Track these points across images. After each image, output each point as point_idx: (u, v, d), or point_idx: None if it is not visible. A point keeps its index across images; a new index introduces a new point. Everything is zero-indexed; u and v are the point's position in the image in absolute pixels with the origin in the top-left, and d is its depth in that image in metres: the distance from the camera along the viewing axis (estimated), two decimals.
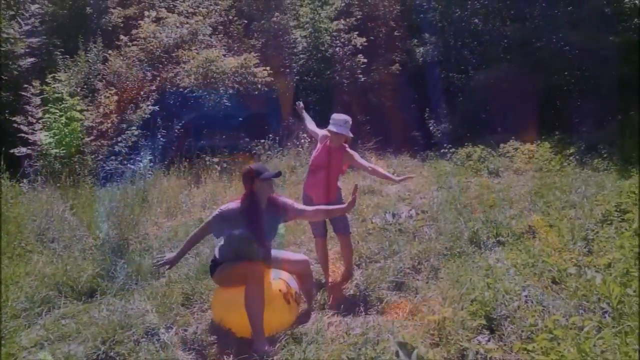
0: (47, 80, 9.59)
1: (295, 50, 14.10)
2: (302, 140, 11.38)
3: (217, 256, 3.73)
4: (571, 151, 10.53)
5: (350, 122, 4.40)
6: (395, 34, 16.97)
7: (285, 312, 3.55)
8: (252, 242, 3.59)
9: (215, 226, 3.65)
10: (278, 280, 3.65)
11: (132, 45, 11.84)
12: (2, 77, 10.65)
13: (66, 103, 9.07)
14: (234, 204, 3.64)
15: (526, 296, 3.37)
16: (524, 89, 14.00)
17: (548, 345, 2.46)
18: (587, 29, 12.00)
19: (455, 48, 16.43)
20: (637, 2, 11.26)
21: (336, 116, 4.41)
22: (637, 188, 5.66)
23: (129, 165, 8.79)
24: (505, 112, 14.69)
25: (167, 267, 3.79)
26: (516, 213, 6.31)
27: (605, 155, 9.70)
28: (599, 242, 4.18)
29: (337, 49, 14.04)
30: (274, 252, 3.99)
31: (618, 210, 5.04)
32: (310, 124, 4.88)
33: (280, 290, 3.58)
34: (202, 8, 13.01)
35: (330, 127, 4.37)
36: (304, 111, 5.04)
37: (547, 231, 5.21)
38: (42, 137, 8.41)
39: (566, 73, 13.07)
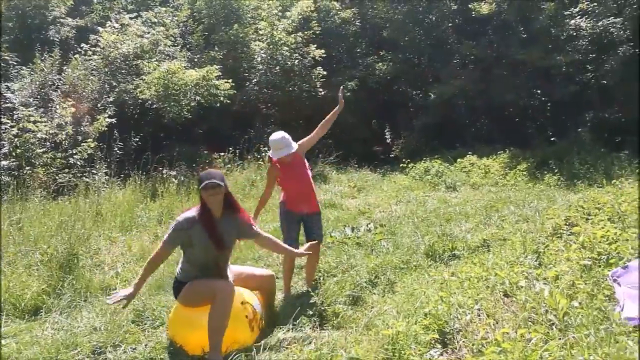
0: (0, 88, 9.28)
1: (254, 63, 14.10)
2: (263, 154, 11.33)
3: (179, 277, 3.59)
4: (524, 166, 10.88)
5: (289, 137, 4.37)
6: (356, 50, 17.23)
7: (247, 336, 3.46)
8: (212, 251, 3.51)
9: (176, 238, 3.46)
10: (246, 304, 3.55)
11: (92, 54, 11.58)
12: None
13: (18, 113, 8.76)
14: (191, 211, 3.52)
15: (478, 309, 3.41)
16: (479, 105, 14.48)
17: (496, 358, 2.50)
18: (536, 48, 12.51)
19: (412, 64, 16.82)
20: (581, 24, 11.83)
21: (275, 141, 4.30)
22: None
23: (83, 178, 8.53)
24: (462, 127, 15.14)
25: (124, 303, 3.39)
26: (472, 227, 6.45)
27: (555, 171, 10.07)
28: (548, 255, 4.28)
29: (296, 61, 14.10)
30: (239, 267, 3.94)
31: (567, 224, 5.21)
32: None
33: (246, 317, 3.49)
34: (165, 19, 12.89)
35: (279, 154, 4.30)
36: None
37: (501, 244, 5.33)
38: None
39: (518, 90, 13.54)
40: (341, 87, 4.39)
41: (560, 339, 2.65)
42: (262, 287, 3.87)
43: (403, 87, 17.30)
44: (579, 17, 12.05)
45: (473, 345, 2.92)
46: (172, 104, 10.95)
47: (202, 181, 3.50)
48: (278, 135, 4.34)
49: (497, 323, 3.19)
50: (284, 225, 4.58)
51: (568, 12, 12.27)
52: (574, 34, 12.14)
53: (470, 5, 14.00)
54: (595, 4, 11.85)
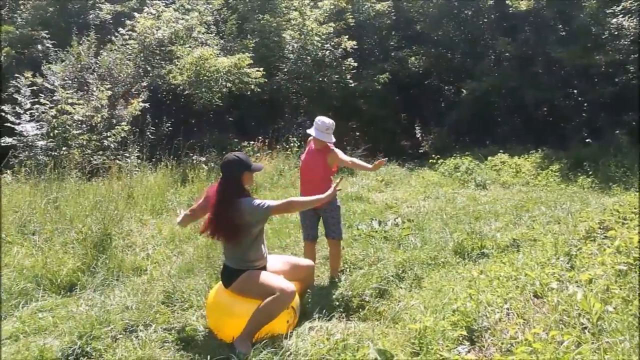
0: (42, 70, 9.54)
1: (285, 52, 14.11)
2: (292, 144, 11.38)
3: (233, 265, 3.54)
4: (557, 167, 10.66)
5: (333, 128, 4.40)
6: (390, 43, 17.08)
7: (280, 332, 3.44)
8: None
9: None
10: (291, 310, 3.53)
11: (129, 39, 11.78)
12: None
13: (57, 95, 8.99)
14: (241, 201, 3.47)
15: (508, 309, 3.38)
16: (512, 102, 14.22)
17: (527, 358, 2.47)
18: (575, 47, 12.20)
19: (446, 59, 16.59)
20: (624, 23, 11.47)
21: (320, 121, 4.38)
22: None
23: (116, 160, 8.72)
24: (494, 125, 14.90)
25: None
26: (501, 226, 6.37)
27: (590, 173, 9.83)
28: (581, 258, 4.20)
29: (327, 52, 14.06)
30: (284, 257, 4.00)
31: (601, 227, 5.09)
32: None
33: (287, 322, 3.49)
34: (199, 5, 13.00)
35: (313, 132, 4.39)
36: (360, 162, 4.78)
37: (531, 245, 5.26)
38: (29, 128, 8.30)
39: (554, 89, 13.23)
40: (384, 160, 4.63)
41: (593, 343, 2.61)
42: (304, 278, 3.91)
43: (435, 82, 17.11)
44: (621, 15, 11.69)
45: (502, 344, 2.90)
46: (203, 90, 11.06)
47: (248, 163, 3.55)
48: (328, 120, 4.40)
49: (526, 323, 3.15)
50: (300, 215, 4.71)
51: (610, 11, 11.90)
52: (616, 33, 11.78)
53: (507, 1, 13.71)
54: (639, 2, 11.47)
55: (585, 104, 13.33)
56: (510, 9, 13.61)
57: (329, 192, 3.68)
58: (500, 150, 12.16)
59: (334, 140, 4.43)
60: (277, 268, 3.72)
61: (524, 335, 2.88)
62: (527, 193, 8.91)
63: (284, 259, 3.94)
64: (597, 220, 5.28)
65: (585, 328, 2.82)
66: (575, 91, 13.36)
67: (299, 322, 3.63)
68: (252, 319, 3.28)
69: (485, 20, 15.67)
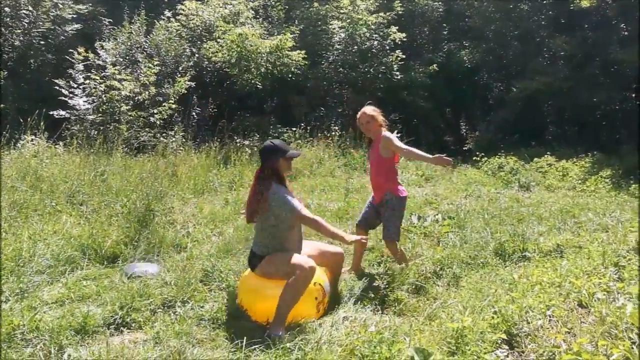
0: (95, 46, 9.80)
1: (332, 41, 13.98)
2: (333, 133, 11.33)
3: (258, 252, 3.60)
4: (608, 173, 10.21)
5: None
6: (438, 35, 16.71)
7: (311, 315, 3.49)
8: (294, 221, 3.59)
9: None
10: (318, 286, 3.57)
11: (175, 21, 11.94)
12: (49, 40, 10.91)
13: (107, 72, 9.23)
14: (275, 186, 3.52)
15: (550, 316, 3.27)
16: (564, 103, 13.68)
17: None
18: (637, 49, 11.58)
19: (496, 55, 16.10)
20: None
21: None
22: None
23: (162, 138, 8.90)
24: (543, 125, 14.40)
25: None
26: (545, 230, 6.14)
27: None
28: (630, 269, 4.02)
29: (375, 42, 13.84)
30: (313, 242, 4.02)
31: None
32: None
33: (316, 298, 3.53)
34: None
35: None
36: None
37: (576, 252, 5.05)
38: (81, 102, 8.57)
39: (610, 92, 12.63)
40: (450, 160, 4.15)
41: None
42: (332, 265, 3.90)
43: (484, 78, 16.65)
44: None
45: (543, 351, 2.80)
46: (243, 69, 11.09)
47: (285, 150, 3.56)
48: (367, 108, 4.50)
49: (570, 332, 3.04)
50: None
51: None
52: None
53: None
54: None
55: None
56: (571, 5, 12.96)
57: (353, 237, 3.77)
58: (548, 152, 11.74)
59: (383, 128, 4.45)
60: (304, 252, 3.73)
61: (567, 344, 2.78)
62: (573, 198, 8.57)
63: (312, 244, 3.94)
64: None
65: (635, 343, 2.69)
66: (634, 95, 12.72)
67: (333, 310, 3.62)
68: (280, 301, 3.31)
69: (542, 16, 15.07)
